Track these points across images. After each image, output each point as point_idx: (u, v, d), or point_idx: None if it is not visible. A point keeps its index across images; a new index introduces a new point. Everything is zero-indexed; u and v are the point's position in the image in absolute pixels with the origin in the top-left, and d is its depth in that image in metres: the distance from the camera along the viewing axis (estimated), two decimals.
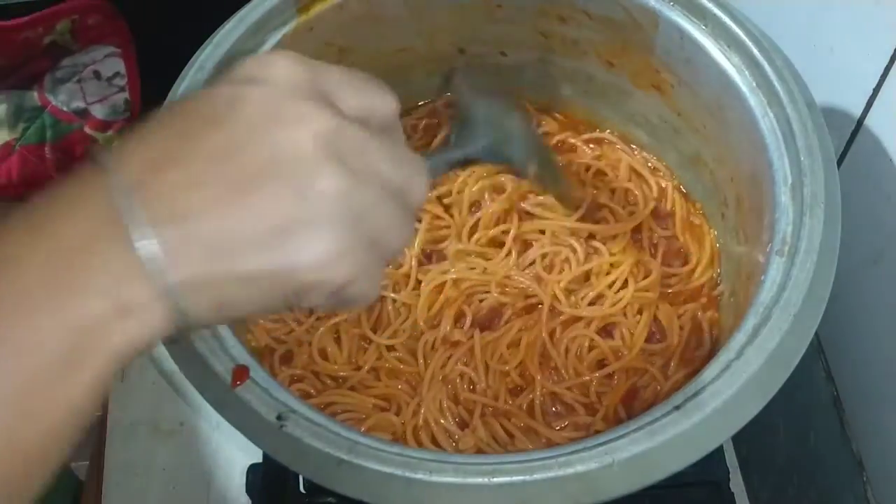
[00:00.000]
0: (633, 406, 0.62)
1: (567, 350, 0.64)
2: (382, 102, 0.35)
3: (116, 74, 0.62)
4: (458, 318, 0.65)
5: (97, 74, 0.62)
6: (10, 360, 0.28)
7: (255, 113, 0.31)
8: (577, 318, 0.65)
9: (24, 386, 0.28)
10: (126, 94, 0.68)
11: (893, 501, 0.61)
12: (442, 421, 0.61)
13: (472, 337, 0.64)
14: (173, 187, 0.30)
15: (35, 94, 0.60)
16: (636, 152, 0.74)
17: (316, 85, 0.33)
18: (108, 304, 0.29)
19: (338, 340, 0.65)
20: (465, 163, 0.48)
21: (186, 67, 0.58)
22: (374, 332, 0.65)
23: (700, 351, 0.64)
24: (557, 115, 0.76)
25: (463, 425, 0.61)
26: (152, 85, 0.62)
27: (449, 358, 0.63)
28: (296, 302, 0.32)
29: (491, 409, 0.62)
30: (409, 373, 0.64)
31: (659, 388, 0.62)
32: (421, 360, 0.64)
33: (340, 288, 0.32)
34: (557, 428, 0.61)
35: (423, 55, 0.73)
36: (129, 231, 0.29)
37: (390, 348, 0.64)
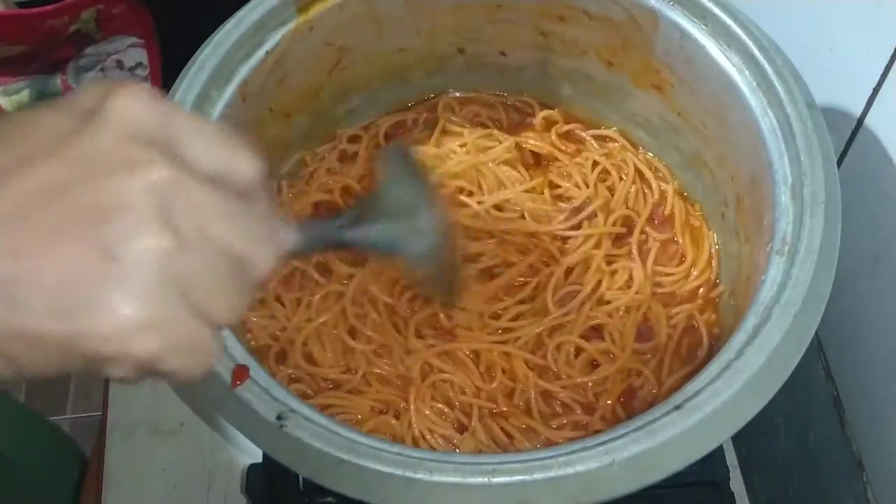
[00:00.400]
0: (631, 405, 0.62)
1: (555, 359, 0.63)
2: (243, 163, 0.31)
3: (139, 65, 0.62)
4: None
5: (120, 64, 0.62)
6: None
7: (84, 152, 0.27)
8: (560, 325, 0.64)
9: None
10: (147, 85, 0.68)
11: (893, 501, 0.61)
12: (439, 430, 0.60)
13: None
14: None
15: (58, 81, 0.60)
16: (640, 152, 0.73)
17: (163, 130, 0.29)
18: None
19: (322, 343, 0.64)
20: (349, 245, 0.44)
21: (186, 67, 0.58)
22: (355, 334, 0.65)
23: (700, 351, 0.64)
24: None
25: (462, 429, 0.61)
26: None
27: (432, 368, 0.63)
28: (94, 371, 0.28)
29: (488, 410, 0.62)
30: (399, 378, 0.63)
31: (654, 390, 0.62)
32: (401, 367, 0.63)
33: (147, 365, 0.28)
34: (555, 427, 0.61)
35: (422, 55, 0.73)
36: None
37: (377, 353, 0.64)
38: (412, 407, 0.61)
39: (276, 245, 0.32)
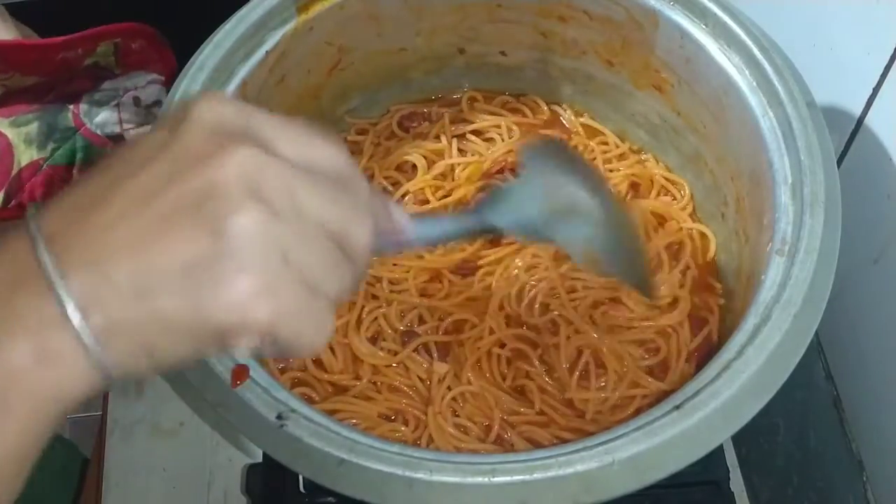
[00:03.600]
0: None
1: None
2: (329, 152, 0.33)
3: (156, 103, 0.61)
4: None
5: (136, 101, 0.61)
6: None
7: (176, 152, 0.30)
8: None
9: None
10: None
11: (893, 501, 0.61)
12: (468, 446, 0.60)
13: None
14: (88, 233, 0.29)
15: (69, 115, 0.59)
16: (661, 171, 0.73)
17: (247, 127, 0.31)
18: (30, 350, 0.29)
19: (332, 349, 0.64)
20: (488, 232, 0.43)
21: (186, 67, 0.58)
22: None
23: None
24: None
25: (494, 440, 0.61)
26: None
27: (449, 388, 0.62)
28: (225, 346, 0.31)
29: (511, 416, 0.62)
30: (411, 388, 0.63)
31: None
32: (419, 384, 0.63)
33: (269, 330, 0.30)
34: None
35: (422, 55, 0.73)
36: (47, 280, 0.29)
37: (386, 364, 0.64)
38: (430, 420, 0.61)
39: (372, 222, 0.33)
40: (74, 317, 0.28)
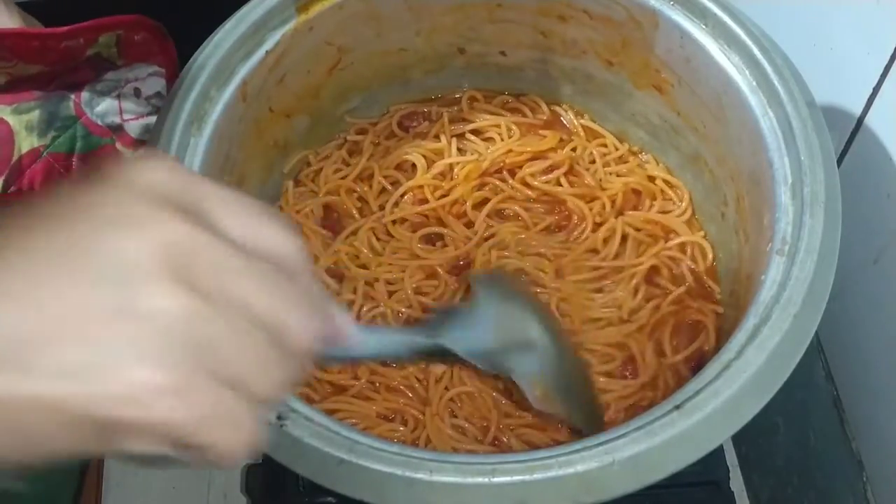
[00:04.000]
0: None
1: None
2: (279, 238, 0.29)
3: (156, 94, 0.62)
4: None
5: (137, 92, 0.62)
6: None
7: (104, 214, 0.27)
8: None
9: None
10: None
11: (893, 501, 0.61)
12: (465, 447, 0.60)
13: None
14: None
15: (71, 104, 0.60)
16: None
17: (185, 195, 0.28)
18: None
19: None
20: (442, 354, 0.41)
21: (186, 67, 0.58)
22: None
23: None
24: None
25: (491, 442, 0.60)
26: None
27: (446, 389, 0.62)
28: (115, 447, 0.26)
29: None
30: (409, 389, 0.63)
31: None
32: (416, 385, 0.63)
33: (176, 434, 0.26)
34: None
35: (422, 55, 0.73)
36: None
37: (383, 363, 0.63)
38: (428, 421, 0.60)
39: (318, 317, 0.29)
40: None
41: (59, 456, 0.26)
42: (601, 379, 0.62)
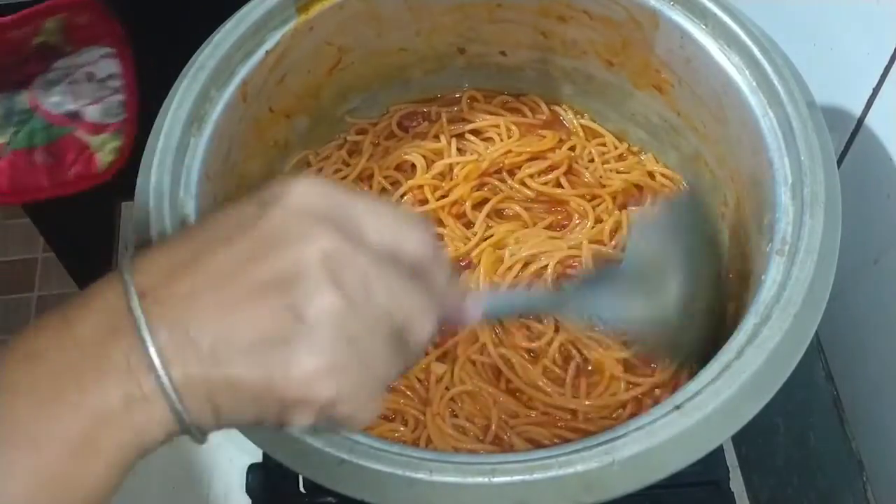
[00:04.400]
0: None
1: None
2: (413, 241, 0.35)
3: (111, 76, 0.62)
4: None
5: (90, 76, 0.61)
6: (30, 455, 0.31)
7: (266, 231, 0.33)
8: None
9: (40, 479, 0.31)
10: (121, 96, 0.67)
11: (893, 501, 0.61)
12: (466, 446, 0.60)
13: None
14: (179, 295, 0.32)
15: (26, 97, 0.59)
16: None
17: (333, 209, 0.34)
18: (120, 395, 0.31)
19: None
20: (571, 313, 0.43)
21: (186, 67, 0.58)
22: None
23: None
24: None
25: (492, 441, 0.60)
26: (152, 87, 0.61)
27: (447, 389, 0.62)
28: (284, 418, 0.33)
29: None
30: (409, 388, 0.63)
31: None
32: (417, 385, 0.63)
33: (326, 407, 0.33)
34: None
35: (422, 55, 0.73)
36: (139, 333, 0.32)
37: None
38: (429, 421, 0.60)
39: (436, 314, 0.36)
40: (159, 368, 0.31)
41: (244, 423, 0.34)
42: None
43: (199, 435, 0.34)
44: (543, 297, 0.45)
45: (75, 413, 0.31)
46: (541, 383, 0.62)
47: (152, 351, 0.31)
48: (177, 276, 0.33)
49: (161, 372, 0.31)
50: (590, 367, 0.63)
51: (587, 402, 0.61)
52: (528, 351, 0.63)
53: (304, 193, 0.34)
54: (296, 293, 0.32)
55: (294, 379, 0.32)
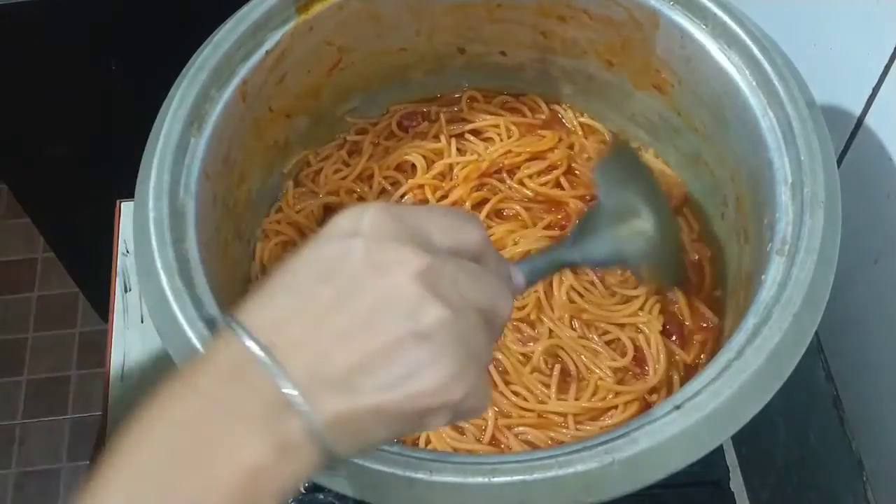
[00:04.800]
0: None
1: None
2: (469, 234, 0.38)
3: None
4: None
5: None
6: None
7: (356, 264, 0.35)
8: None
9: None
10: None
11: (893, 501, 0.61)
12: (464, 446, 0.60)
13: None
14: (297, 338, 0.34)
15: None
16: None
17: (405, 229, 0.36)
18: (270, 446, 0.32)
19: None
20: (577, 265, 0.48)
21: (186, 67, 0.58)
22: None
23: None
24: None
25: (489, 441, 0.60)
26: (152, 87, 0.61)
27: None
28: (421, 426, 0.35)
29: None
30: None
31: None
32: None
33: (459, 406, 0.35)
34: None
35: (422, 55, 0.73)
36: (276, 385, 0.33)
37: None
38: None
39: (510, 291, 0.40)
40: (304, 410, 0.33)
41: (384, 442, 0.37)
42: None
43: (341, 466, 0.35)
44: (561, 251, 0.49)
45: (229, 471, 0.32)
46: (530, 385, 0.62)
47: (291, 394, 0.33)
48: (288, 321, 0.34)
49: (307, 415, 0.33)
50: (579, 375, 0.63)
51: (574, 404, 0.61)
52: (523, 354, 0.63)
53: (376, 221, 0.35)
54: (407, 313, 0.34)
55: (432, 390, 0.34)
